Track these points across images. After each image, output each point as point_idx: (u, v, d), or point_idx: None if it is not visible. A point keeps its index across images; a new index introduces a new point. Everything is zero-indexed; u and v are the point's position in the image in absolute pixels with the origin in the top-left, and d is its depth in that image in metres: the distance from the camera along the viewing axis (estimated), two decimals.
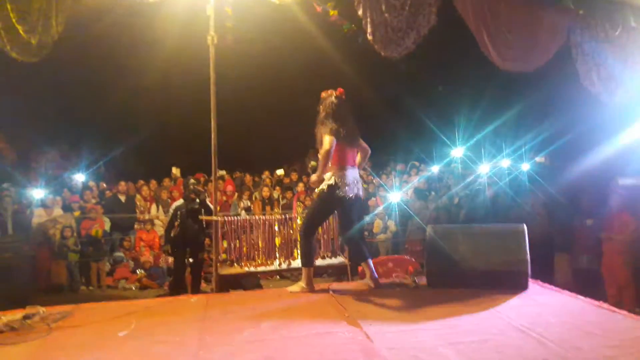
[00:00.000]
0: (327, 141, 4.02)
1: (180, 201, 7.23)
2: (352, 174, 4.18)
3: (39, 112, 10.66)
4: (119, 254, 9.27)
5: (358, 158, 4.34)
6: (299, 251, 5.48)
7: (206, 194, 7.42)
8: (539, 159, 10.26)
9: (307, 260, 4.29)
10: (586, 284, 6.18)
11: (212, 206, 6.55)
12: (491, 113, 11.08)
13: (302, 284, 4.23)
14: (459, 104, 12.23)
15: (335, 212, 4.49)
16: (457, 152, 11.95)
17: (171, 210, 7.24)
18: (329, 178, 4.11)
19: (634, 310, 3.53)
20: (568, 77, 6.03)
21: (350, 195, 4.09)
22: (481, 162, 10.83)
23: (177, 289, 6.97)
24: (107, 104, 11.45)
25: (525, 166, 9.50)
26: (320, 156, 4.07)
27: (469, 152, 11.75)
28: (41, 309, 3.73)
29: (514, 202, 7.75)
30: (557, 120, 8.97)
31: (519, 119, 10.80)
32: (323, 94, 4.26)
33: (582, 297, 3.60)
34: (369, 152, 4.40)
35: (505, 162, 10.59)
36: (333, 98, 4.20)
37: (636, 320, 3.01)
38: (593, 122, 7.15)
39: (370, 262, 4.27)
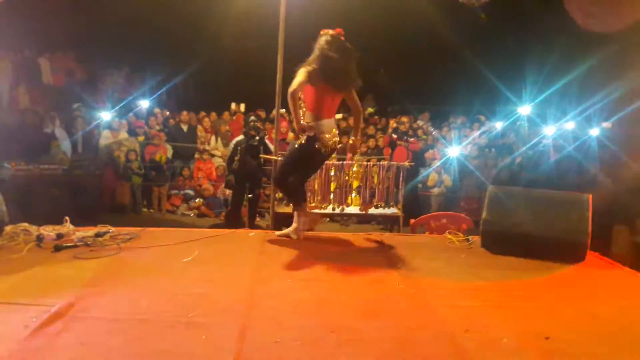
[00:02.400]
0: (294, 81, 3.68)
1: (241, 137, 7.39)
2: (330, 124, 3.93)
3: (105, 34, 10.86)
4: (175, 191, 9.65)
5: (339, 115, 4.10)
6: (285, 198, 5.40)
7: (266, 132, 7.53)
8: (606, 124, 9.73)
9: (295, 198, 4.12)
10: None
11: (271, 145, 6.68)
12: (560, 72, 10.48)
13: (294, 226, 4.09)
14: (526, 59, 11.61)
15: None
16: (523, 110, 11.47)
17: (231, 145, 7.42)
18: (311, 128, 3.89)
19: None
20: None
21: (325, 150, 3.91)
22: (547, 124, 10.38)
23: (232, 220, 7.26)
24: (171, 31, 11.53)
25: (594, 131, 9.05)
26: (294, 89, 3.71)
27: (534, 111, 11.26)
28: (111, 229, 4.01)
29: (578, 168, 7.47)
30: (631, 84, 8.40)
31: (589, 81, 10.17)
32: (321, 32, 3.88)
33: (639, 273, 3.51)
34: (361, 114, 4.13)
35: (571, 125, 10.12)
36: (328, 37, 3.82)
37: None
38: None
39: (304, 208, 4.11)
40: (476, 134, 10.38)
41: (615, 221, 6.77)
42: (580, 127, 9.81)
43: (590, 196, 3.89)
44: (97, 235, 3.80)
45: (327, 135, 3.90)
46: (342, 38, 3.87)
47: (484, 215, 4.03)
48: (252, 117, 7.44)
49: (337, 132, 4.09)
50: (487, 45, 11.61)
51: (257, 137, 7.10)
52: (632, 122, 8.64)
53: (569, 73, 9.95)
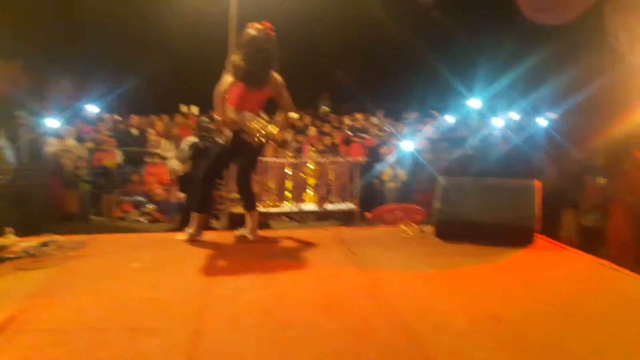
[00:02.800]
0: (221, 81, 3.70)
1: (192, 138, 7.26)
2: (253, 117, 3.82)
3: (51, 41, 10.50)
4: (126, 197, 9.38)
5: (295, 115, 3.99)
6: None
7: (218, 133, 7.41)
8: (551, 114, 10.09)
9: (199, 206, 4.06)
10: (590, 241, 6.24)
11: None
12: (509, 65, 10.80)
13: (190, 230, 4.01)
14: (476, 54, 11.92)
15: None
16: (473, 103, 11.77)
17: (184, 147, 7.28)
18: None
19: (634, 270, 3.57)
20: (594, 32, 5.83)
21: (252, 140, 3.79)
22: (496, 115, 10.68)
23: (187, 224, 7.10)
24: (120, 35, 11.27)
25: (541, 121, 9.36)
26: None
27: (485, 104, 11.57)
28: (57, 238, 3.85)
29: (527, 157, 7.70)
30: (577, 76, 8.74)
31: (538, 73, 10.53)
32: (247, 25, 3.77)
33: (586, 255, 3.64)
34: (287, 110, 3.98)
35: (520, 116, 10.44)
36: (252, 30, 3.69)
37: (636, 280, 3.05)
38: (614, 83, 6.97)
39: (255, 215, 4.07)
40: (429, 128, 10.56)
41: (562, 206, 7.03)
42: (529, 118, 10.14)
43: (538, 182, 4.02)
44: (43, 245, 3.64)
45: (253, 125, 3.77)
46: (271, 33, 3.74)
47: (436, 205, 4.09)
48: (204, 118, 7.31)
49: (270, 125, 3.90)
50: (438, 42, 11.85)
51: (210, 139, 6.98)
52: (576, 112, 9.00)
53: (518, 66, 10.27)
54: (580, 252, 3.72)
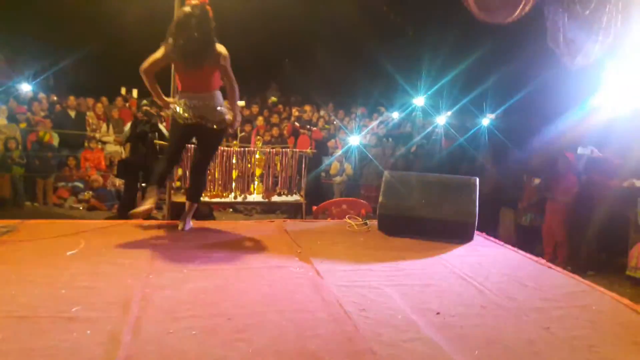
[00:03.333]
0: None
1: (130, 124, 7.02)
2: (191, 97, 3.68)
3: None
4: (62, 182, 8.98)
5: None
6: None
7: (160, 118, 7.21)
8: (491, 115, 10.47)
9: (155, 179, 3.84)
10: (527, 239, 6.54)
11: (165, 131, 6.40)
12: (453, 64, 11.09)
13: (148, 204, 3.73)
14: (421, 52, 12.15)
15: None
16: (418, 101, 12.01)
17: (123, 136, 7.03)
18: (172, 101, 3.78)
19: (565, 268, 3.75)
20: (537, 37, 6.07)
21: (182, 121, 3.68)
22: (440, 114, 10.95)
23: (126, 212, 6.87)
24: (59, 10, 10.70)
25: (484, 121, 9.68)
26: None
27: (428, 101, 11.83)
28: None
29: (468, 155, 7.95)
30: (519, 78, 9.10)
31: (480, 73, 10.86)
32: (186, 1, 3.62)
33: (521, 252, 3.79)
34: (233, 89, 3.85)
35: (463, 115, 10.74)
36: (187, 8, 3.54)
37: (568, 278, 3.20)
38: (555, 85, 7.30)
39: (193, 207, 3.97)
40: (375, 124, 10.70)
41: (501, 204, 7.31)
42: (471, 117, 10.45)
43: (476, 179, 4.15)
44: None
45: (182, 104, 3.66)
46: (207, 8, 3.58)
47: (380, 199, 4.15)
48: (144, 102, 7.08)
49: (213, 104, 3.76)
50: (386, 38, 11.99)
51: (149, 123, 6.77)
52: (514, 113, 9.38)
53: (460, 64, 10.55)
54: (516, 249, 3.86)
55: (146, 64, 3.60)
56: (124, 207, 7.13)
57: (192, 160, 4.06)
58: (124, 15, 10.53)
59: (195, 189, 4.05)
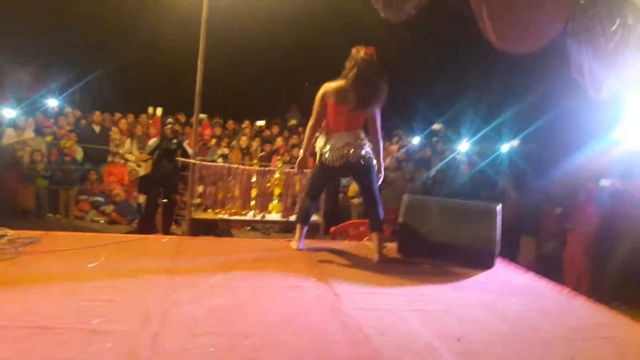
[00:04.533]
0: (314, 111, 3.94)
1: (157, 139, 7.12)
2: (339, 139, 3.85)
3: (9, 28, 10.15)
4: (84, 195, 9.11)
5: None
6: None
7: (185, 136, 7.32)
8: (514, 142, 10.40)
9: (298, 216, 4.32)
10: (548, 269, 6.39)
11: (189, 149, 6.48)
12: (475, 92, 11.10)
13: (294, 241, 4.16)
14: (444, 79, 12.17)
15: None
16: (438, 126, 12.01)
17: (148, 148, 7.13)
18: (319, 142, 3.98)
19: (589, 299, 3.67)
20: (559, 66, 6.03)
21: (327, 163, 3.86)
22: (461, 140, 10.91)
23: (146, 227, 6.94)
24: (87, 27, 10.99)
25: (505, 147, 9.61)
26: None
27: (450, 127, 11.81)
28: (9, 231, 3.68)
29: (489, 182, 7.88)
30: (541, 106, 9.05)
31: (502, 100, 10.83)
32: (353, 51, 3.86)
33: (544, 280, 3.72)
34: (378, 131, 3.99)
35: (484, 141, 10.69)
36: (362, 54, 3.80)
37: (594, 308, 3.13)
38: (578, 114, 7.22)
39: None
40: (394, 147, 10.69)
41: (522, 232, 7.20)
42: (492, 144, 10.40)
43: (498, 206, 4.10)
44: None
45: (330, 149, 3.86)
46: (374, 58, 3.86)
47: (399, 222, 4.13)
48: (170, 120, 7.19)
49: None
50: (408, 63, 12.04)
51: (175, 141, 6.86)
52: (535, 141, 9.30)
53: (483, 91, 10.55)
54: (539, 277, 3.79)
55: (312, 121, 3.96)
56: (144, 222, 7.21)
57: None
58: (152, 31, 10.80)
59: (371, 220, 4.03)
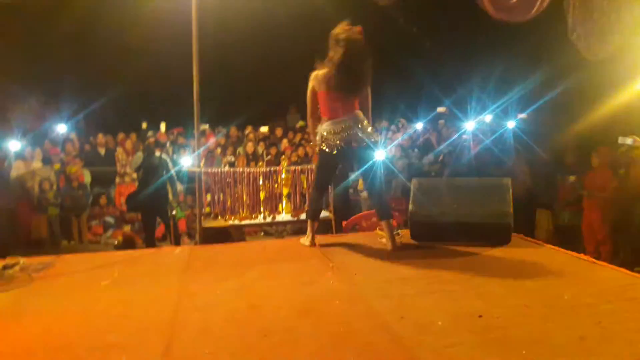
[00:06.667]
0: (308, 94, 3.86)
1: (141, 155, 7.08)
2: (338, 124, 3.75)
3: (14, 61, 10.25)
4: (96, 219, 9.14)
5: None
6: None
7: (166, 147, 7.24)
8: (521, 115, 10.28)
9: (307, 213, 4.27)
10: (566, 239, 6.31)
11: (170, 162, 6.45)
12: (477, 68, 10.98)
13: (307, 238, 4.09)
14: (445, 59, 12.05)
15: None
16: (442, 108, 11.90)
17: (133, 164, 7.10)
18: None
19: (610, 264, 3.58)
20: (557, 31, 5.93)
21: (328, 150, 3.78)
22: (466, 119, 10.80)
23: (150, 244, 6.90)
24: (85, 54, 11.07)
25: (511, 123, 9.49)
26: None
27: (454, 108, 11.69)
28: (21, 260, 3.67)
29: (497, 159, 7.78)
30: (543, 76, 8.93)
31: (505, 75, 10.71)
32: (338, 29, 3.68)
33: (563, 250, 3.64)
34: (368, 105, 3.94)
35: (489, 119, 10.58)
36: (346, 34, 3.64)
37: (615, 271, 3.05)
38: (581, 80, 7.11)
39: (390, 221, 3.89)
40: (399, 136, 10.61)
41: (536, 206, 7.10)
42: (499, 120, 10.28)
43: (509, 179, 4.02)
44: (5, 267, 3.47)
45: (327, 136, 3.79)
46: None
47: (410, 207, 4.06)
48: (149, 133, 7.15)
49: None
50: (407, 49, 11.93)
51: (158, 154, 6.81)
52: (543, 112, 9.18)
53: (486, 70, 10.44)
54: (557, 248, 3.72)
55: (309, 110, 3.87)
56: (147, 240, 7.17)
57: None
58: (145, 57, 10.86)
59: (379, 207, 3.95)
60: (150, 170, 6.72)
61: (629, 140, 5.96)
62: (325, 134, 3.79)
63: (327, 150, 3.81)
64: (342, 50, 3.58)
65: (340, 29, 3.66)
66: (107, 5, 9.97)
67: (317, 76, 3.78)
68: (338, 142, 3.75)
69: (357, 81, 3.71)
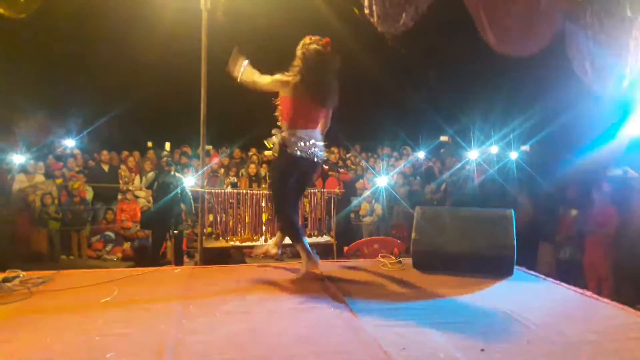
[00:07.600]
0: (271, 78, 3.66)
1: (154, 173, 7.15)
2: (309, 134, 3.68)
3: (20, 75, 10.37)
4: (97, 235, 9.14)
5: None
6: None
7: (176, 167, 7.36)
8: (524, 147, 10.32)
9: (287, 231, 3.97)
10: (568, 275, 6.25)
11: (182, 178, 6.52)
12: (481, 99, 11.07)
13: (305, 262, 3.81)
14: (448, 89, 12.17)
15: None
16: (445, 137, 11.98)
17: (146, 182, 7.17)
18: (278, 137, 3.70)
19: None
20: (561, 65, 5.99)
21: (301, 154, 3.63)
22: (470, 149, 10.84)
23: (153, 261, 6.90)
24: (92, 70, 11.20)
25: (514, 154, 9.53)
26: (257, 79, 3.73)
27: (457, 137, 11.76)
28: (21, 273, 3.66)
29: (501, 190, 7.78)
30: (547, 109, 9.00)
31: (509, 107, 10.80)
32: (306, 40, 3.67)
33: (565, 285, 3.62)
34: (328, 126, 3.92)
35: (493, 149, 10.62)
36: (316, 46, 3.62)
37: (618, 309, 3.03)
38: (584, 113, 7.15)
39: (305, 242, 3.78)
40: (402, 163, 10.65)
41: (539, 239, 7.05)
42: (502, 151, 10.32)
43: (512, 211, 4.02)
44: (5, 280, 3.45)
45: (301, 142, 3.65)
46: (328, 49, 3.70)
47: (413, 235, 4.06)
48: (165, 152, 7.26)
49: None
50: (411, 79, 12.07)
51: (172, 173, 6.90)
52: (546, 144, 9.21)
53: (490, 101, 10.53)
54: (560, 282, 3.70)
55: (265, 80, 3.67)
56: (152, 256, 7.17)
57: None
58: (151, 73, 10.97)
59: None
60: (164, 187, 6.79)
61: (620, 172, 5.99)
62: (301, 143, 3.65)
63: (302, 155, 3.65)
64: (305, 62, 3.59)
65: (309, 39, 3.66)
66: (116, 23, 10.12)
67: (290, 81, 3.64)
68: (310, 152, 3.68)
69: (322, 98, 3.67)
